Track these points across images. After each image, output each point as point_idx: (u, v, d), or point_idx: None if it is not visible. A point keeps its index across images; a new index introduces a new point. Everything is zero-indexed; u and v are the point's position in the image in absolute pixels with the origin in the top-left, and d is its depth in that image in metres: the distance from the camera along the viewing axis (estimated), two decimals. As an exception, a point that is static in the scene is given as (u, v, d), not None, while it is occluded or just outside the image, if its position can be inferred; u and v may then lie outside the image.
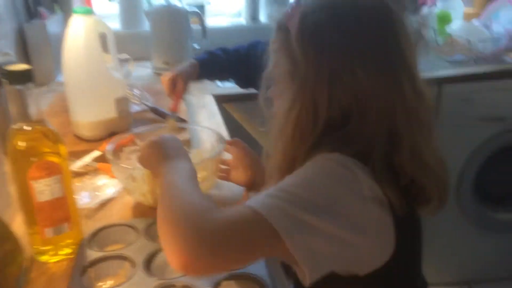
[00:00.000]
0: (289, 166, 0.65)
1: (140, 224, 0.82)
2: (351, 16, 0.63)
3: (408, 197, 0.62)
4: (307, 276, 0.55)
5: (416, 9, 2.10)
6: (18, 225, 0.81)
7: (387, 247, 0.61)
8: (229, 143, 0.97)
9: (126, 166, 0.89)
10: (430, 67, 1.85)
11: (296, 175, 0.60)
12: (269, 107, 0.74)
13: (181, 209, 0.55)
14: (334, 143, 0.62)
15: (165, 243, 0.54)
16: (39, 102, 0.72)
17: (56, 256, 0.76)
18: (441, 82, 1.74)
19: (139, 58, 1.89)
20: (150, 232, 0.81)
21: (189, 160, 0.70)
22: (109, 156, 0.88)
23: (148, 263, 0.73)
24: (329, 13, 0.63)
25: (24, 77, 0.68)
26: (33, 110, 0.70)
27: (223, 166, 0.99)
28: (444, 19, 2.03)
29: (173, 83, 1.20)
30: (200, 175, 0.90)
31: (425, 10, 2.13)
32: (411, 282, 0.71)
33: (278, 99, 0.70)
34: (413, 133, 0.63)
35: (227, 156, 0.99)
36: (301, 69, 0.63)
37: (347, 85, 0.62)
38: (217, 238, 0.51)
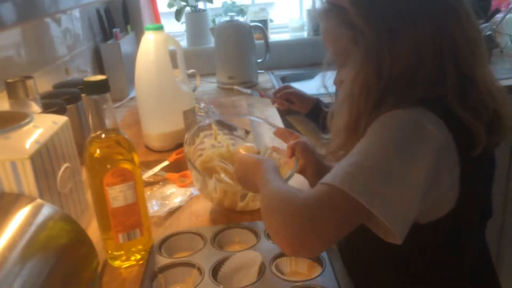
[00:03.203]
0: (355, 124, 0.70)
1: (207, 232, 0.83)
2: None
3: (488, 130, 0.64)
4: (397, 237, 0.57)
5: (489, 16, 1.99)
6: (93, 230, 0.85)
7: (452, 197, 0.65)
8: (276, 132, 1.02)
9: (199, 172, 0.90)
10: (507, 75, 1.73)
11: (368, 142, 0.63)
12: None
13: (277, 202, 0.63)
14: (398, 96, 0.65)
15: (271, 231, 0.62)
16: (114, 111, 0.76)
17: (127, 262, 0.79)
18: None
19: (204, 73, 1.96)
20: (217, 241, 0.81)
21: (272, 167, 0.76)
22: (187, 152, 0.90)
23: (215, 271, 0.73)
24: None
25: (100, 87, 0.72)
26: (109, 120, 0.74)
27: (275, 155, 1.02)
28: (522, 25, 1.91)
29: (283, 87, 1.27)
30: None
31: (499, 16, 2.01)
32: (473, 232, 0.75)
33: (343, 70, 0.74)
34: (481, 64, 0.66)
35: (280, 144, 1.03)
36: (364, 31, 0.66)
37: (409, 34, 0.64)
38: (312, 219, 0.57)
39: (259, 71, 1.94)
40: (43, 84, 1.28)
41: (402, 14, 0.65)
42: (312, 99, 1.34)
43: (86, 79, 0.72)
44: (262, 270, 0.72)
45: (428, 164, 0.60)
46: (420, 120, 0.62)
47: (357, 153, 0.62)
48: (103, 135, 0.74)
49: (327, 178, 0.61)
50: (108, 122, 0.74)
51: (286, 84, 1.35)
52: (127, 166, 0.75)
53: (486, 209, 0.91)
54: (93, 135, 0.74)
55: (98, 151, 0.73)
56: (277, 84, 1.87)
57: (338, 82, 0.76)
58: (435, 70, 0.64)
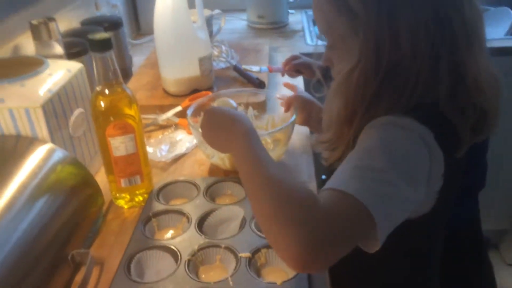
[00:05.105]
0: (351, 116, 0.66)
1: (202, 183, 0.90)
2: None
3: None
4: (379, 242, 0.54)
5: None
6: (103, 171, 0.94)
7: (435, 196, 0.65)
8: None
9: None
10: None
11: (373, 147, 0.59)
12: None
13: (286, 205, 0.53)
14: (395, 94, 0.62)
15: (275, 242, 0.52)
16: (118, 68, 0.80)
17: (130, 202, 0.88)
18: None
19: (236, 9, 1.94)
20: (210, 192, 0.88)
21: (252, 130, 0.65)
22: (189, 121, 0.94)
23: (202, 221, 0.80)
24: None
25: (104, 46, 0.76)
26: (113, 75, 0.79)
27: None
28: None
29: (291, 58, 1.22)
30: (273, 142, 0.94)
31: None
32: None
33: (341, 61, 0.69)
34: (476, 53, 0.63)
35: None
36: (362, 18, 0.62)
37: (407, 19, 0.60)
38: (330, 235, 0.51)
39: (290, 11, 1.90)
40: (72, 19, 1.33)
41: None
42: (320, 66, 1.30)
43: (90, 36, 0.76)
44: (243, 225, 0.79)
45: (425, 171, 0.60)
46: (421, 132, 0.60)
47: (365, 155, 0.58)
48: (107, 90, 0.79)
49: (337, 184, 0.55)
50: (112, 77, 0.79)
51: (294, 54, 1.29)
52: (128, 120, 0.81)
53: (477, 181, 0.91)
54: (98, 89, 0.80)
55: (102, 104, 0.80)
56: (307, 26, 1.83)
57: (327, 61, 0.72)
58: (428, 62, 0.61)
